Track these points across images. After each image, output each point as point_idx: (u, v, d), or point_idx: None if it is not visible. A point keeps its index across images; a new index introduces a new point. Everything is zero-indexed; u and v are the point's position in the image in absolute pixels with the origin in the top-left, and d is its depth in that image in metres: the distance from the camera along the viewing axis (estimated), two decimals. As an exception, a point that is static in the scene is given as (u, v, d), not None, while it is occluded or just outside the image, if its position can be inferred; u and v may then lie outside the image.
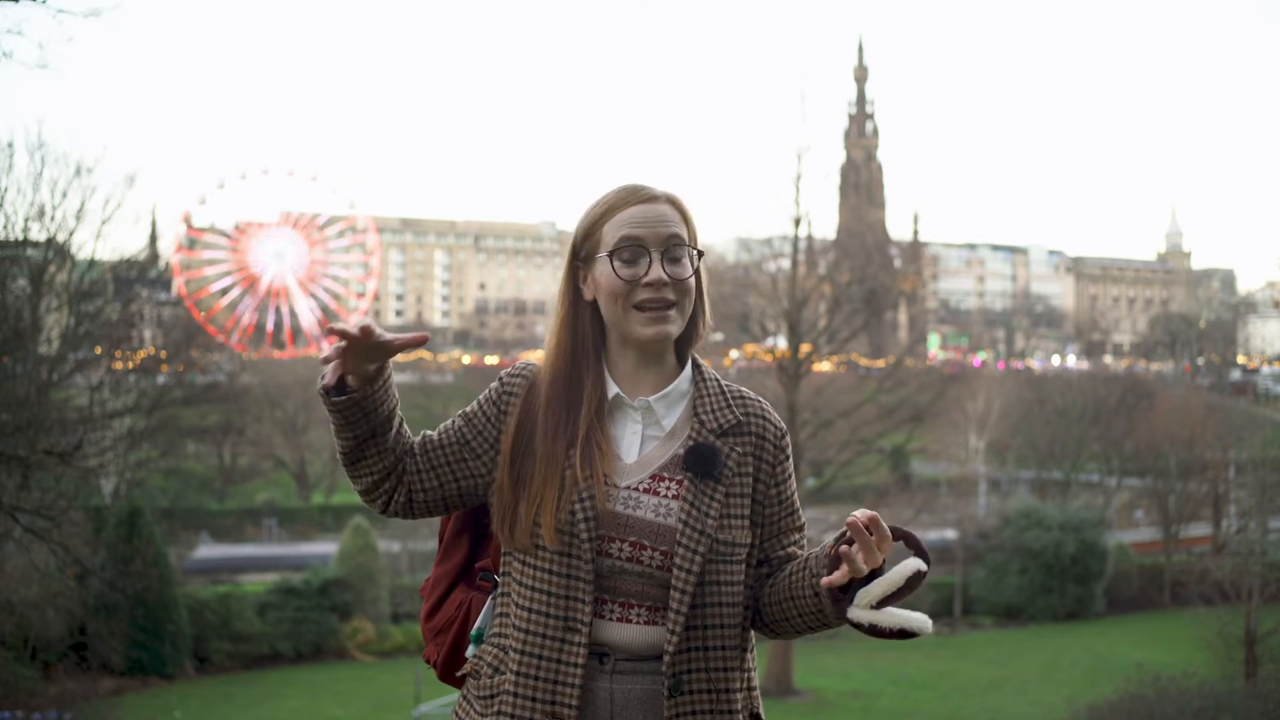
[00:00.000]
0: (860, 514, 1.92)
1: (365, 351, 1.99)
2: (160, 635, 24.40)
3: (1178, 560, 36.21)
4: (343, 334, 1.96)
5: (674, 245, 2.11)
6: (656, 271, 2.08)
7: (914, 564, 1.96)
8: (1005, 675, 27.24)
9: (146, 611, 23.89)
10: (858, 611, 1.98)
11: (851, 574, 1.95)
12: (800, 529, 2.21)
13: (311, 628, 27.63)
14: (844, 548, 1.95)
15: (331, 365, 2.02)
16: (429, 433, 2.21)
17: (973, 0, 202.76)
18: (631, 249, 2.09)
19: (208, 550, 35.98)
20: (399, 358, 2.30)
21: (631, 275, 2.09)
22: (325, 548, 34.80)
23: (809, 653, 28.27)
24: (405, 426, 2.17)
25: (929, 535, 31.69)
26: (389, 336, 1.98)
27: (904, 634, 1.98)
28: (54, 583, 18.34)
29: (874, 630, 1.98)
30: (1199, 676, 18.62)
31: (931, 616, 1.98)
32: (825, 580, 1.98)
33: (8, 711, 16.72)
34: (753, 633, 2.20)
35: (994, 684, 26.41)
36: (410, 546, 31.86)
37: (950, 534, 35.03)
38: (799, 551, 2.19)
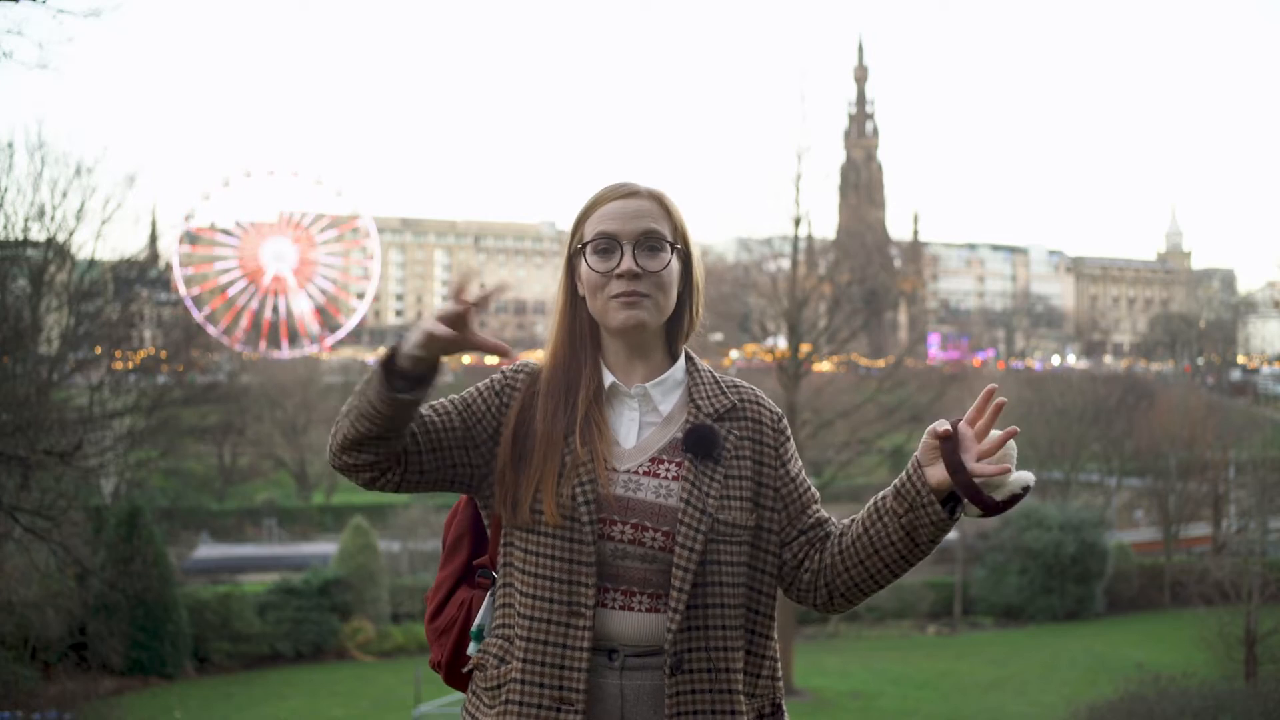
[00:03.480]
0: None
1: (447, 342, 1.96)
2: (160, 635, 24.38)
3: (1178, 560, 36.19)
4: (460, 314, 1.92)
5: (648, 238, 2.14)
6: (628, 263, 2.12)
7: (1029, 476, 2.12)
8: (1005, 675, 27.23)
9: (146, 611, 23.88)
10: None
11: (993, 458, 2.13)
12: (817, 500, 2.26)
13: (311, 628, 27.63)
14: (991, 439, 2.16)
15: (426, 341, 1.93)
16: (423, 411, 2.14)
17: (973, 0, 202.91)
18: (605, 242, 2.14)
19: (208, 550, 35.93)
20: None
21: (605, 268, 2.14)
22: (325, 548, 34.81)
23: (809, 653, 28.27)
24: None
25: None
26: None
27: (1013, 499, 2.15)
28: (54, 583, 18.29)
29: (1000, 504, 2.13)
30: (1199, 676, 18.58)
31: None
32: (984, 450, 2.17)
33: (8, 711, 16.69)
34: (775, 623, 2.21)
35: (994, 684, 26.39)
36: (410, 546, 31.87)
37: (950, 534, 35.00)
38: (825, 515, 2.25)
